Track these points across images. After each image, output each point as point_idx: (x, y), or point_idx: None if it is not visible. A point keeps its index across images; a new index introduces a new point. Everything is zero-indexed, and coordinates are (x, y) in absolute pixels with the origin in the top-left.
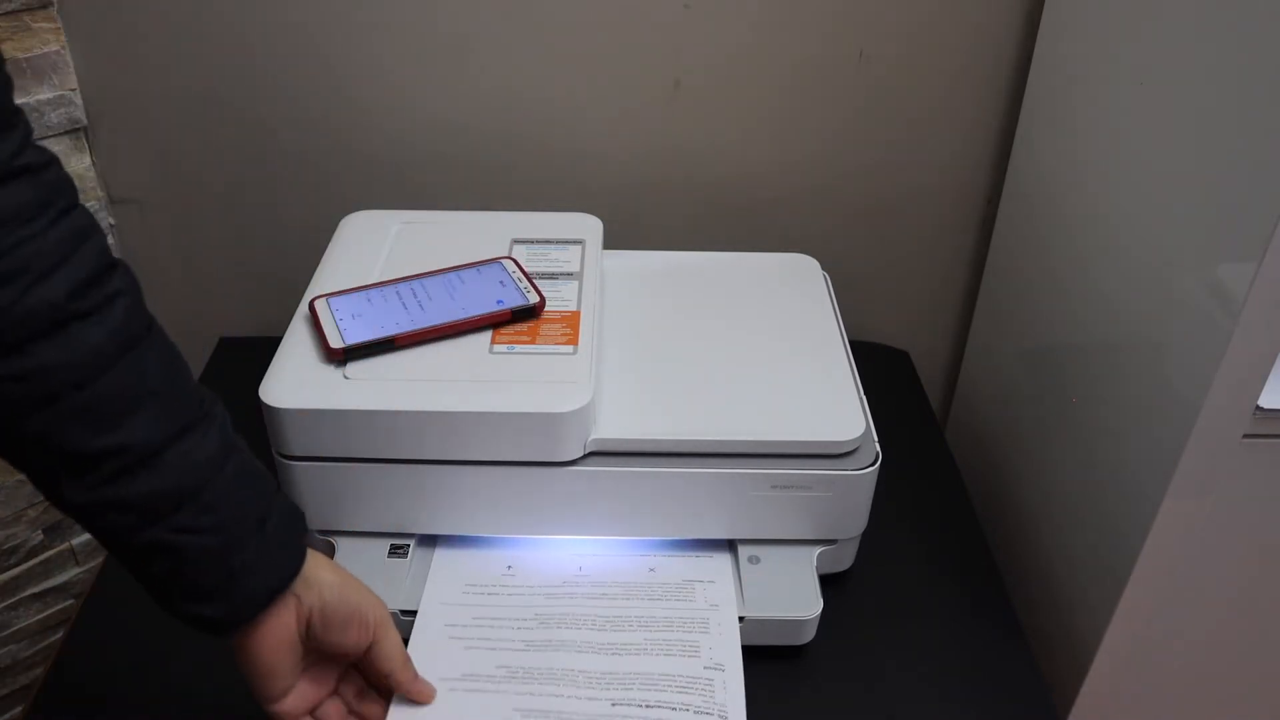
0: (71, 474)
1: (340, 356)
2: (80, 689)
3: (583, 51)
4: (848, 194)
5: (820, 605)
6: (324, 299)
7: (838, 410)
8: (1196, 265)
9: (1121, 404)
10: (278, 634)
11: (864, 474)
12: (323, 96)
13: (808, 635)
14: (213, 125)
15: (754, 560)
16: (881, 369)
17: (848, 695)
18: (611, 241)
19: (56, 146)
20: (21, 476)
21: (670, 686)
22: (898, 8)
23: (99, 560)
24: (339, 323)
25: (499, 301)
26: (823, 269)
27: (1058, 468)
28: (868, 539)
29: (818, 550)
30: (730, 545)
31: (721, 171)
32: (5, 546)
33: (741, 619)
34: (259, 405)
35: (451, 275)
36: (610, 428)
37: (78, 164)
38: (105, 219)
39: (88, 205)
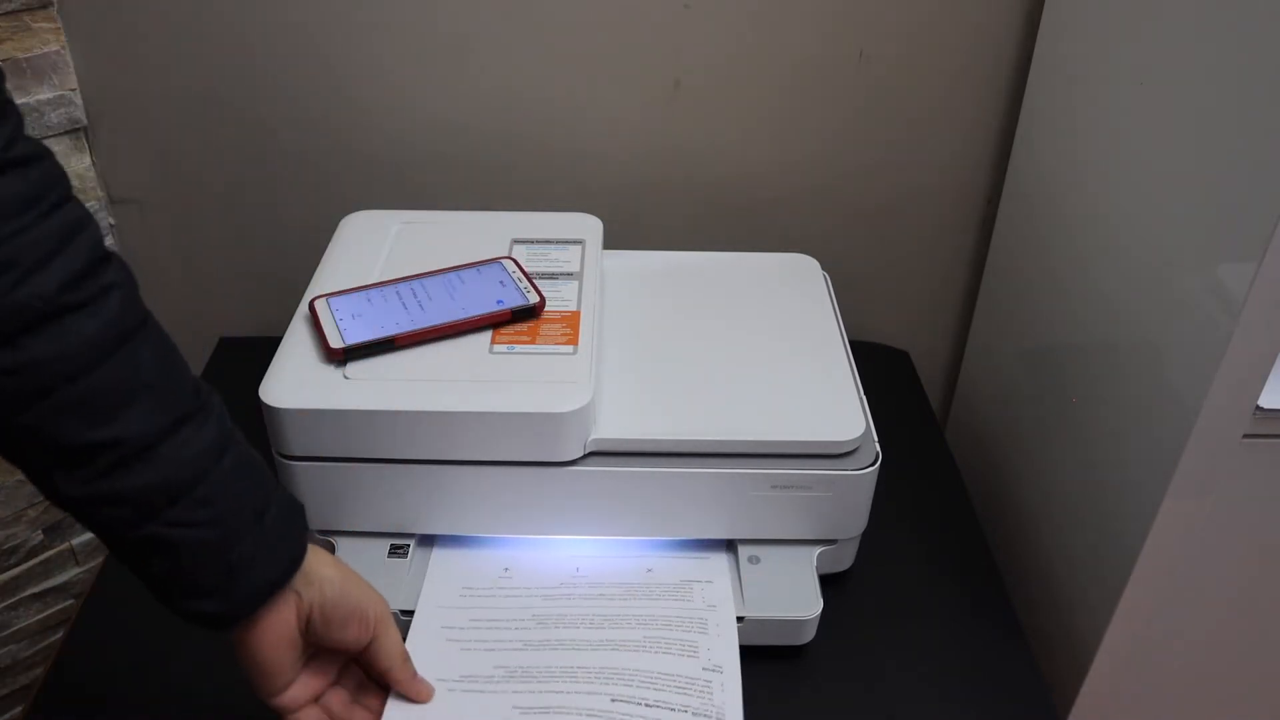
0: (66, 468)
1: (340, 356)
2: (80, 689)
3: (583, 51)
4: (848, 194)
5: (820, 605)
6: (324, 299)
7: (838, 410)
8: (1196, 265)
9: (1121, 404)
10: (278, 630)
11: (864, 474)
12: (323, 96)
13: (808, 635)
14: (213, 125)
15: (754, 560)
16: (881, 369)
17: (848, 695)
18: (611, 241)
19: (56, 146)
20: (22, 476)
21: (669, 686)
22: (898, 8)
23: (99, 560)
24: (339, 323)
25: (499, 301)
26: (823, 269)
27: (1058, 468)
28: (868, 539)
29: (818, 550)
30: (730, 545)
31: (721, 171)
32: (5, 546)
33: (741, 619)
34: (259, 405)
35: (451, 275)
36: (610, 428)
37: (78, 164)
38: (105, 219)
39: (88, 205)
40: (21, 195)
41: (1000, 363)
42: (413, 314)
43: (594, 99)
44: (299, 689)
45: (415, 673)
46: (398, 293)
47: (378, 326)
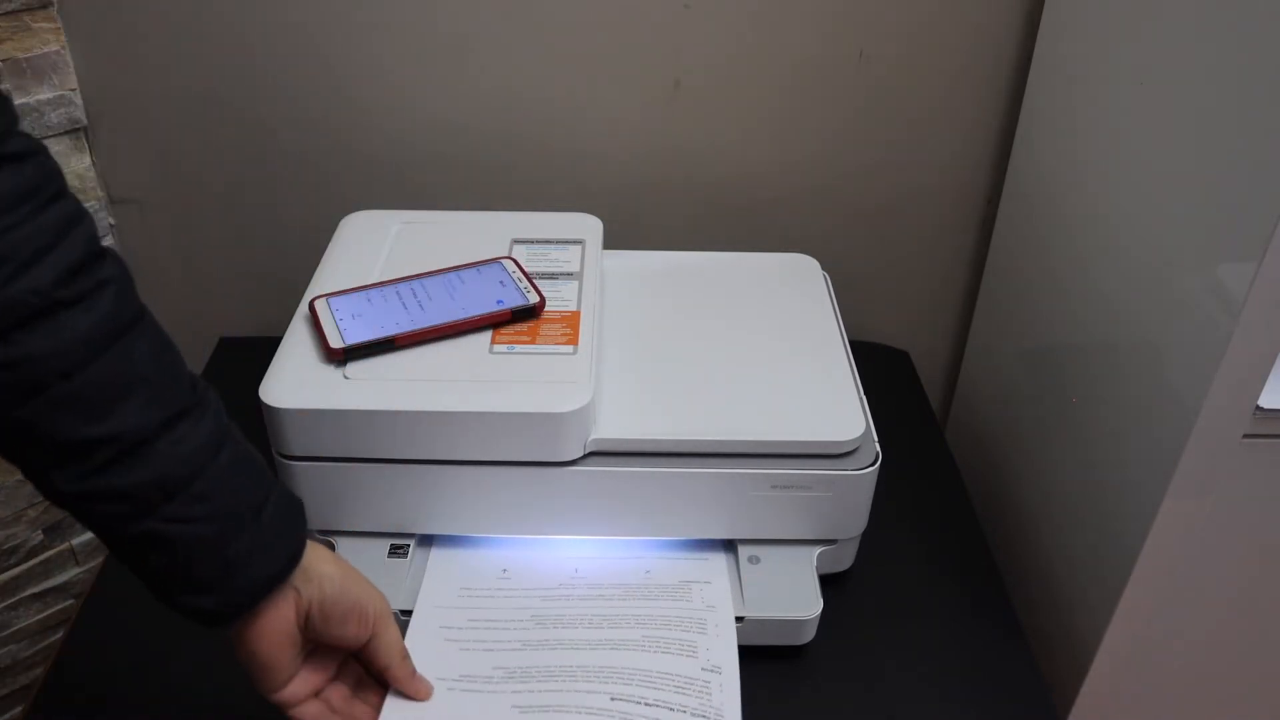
0: (61, 464)
1: (340, 356)
2: (80, 689)
3: (583, 51)
4: (848, 194)
5: (820, 605)
6: (324, 299)
7: (838, 410)
8: (1196, 265)
9: (1121, 404)
10: (276, 626)
11: (864, 474)
12: (323, 96)
13: (808, 635)
14: (213, 125)
15: (754, 560)
16: (881, 369)
17: (848, 695)
18: (611, 241)
19: (56, 146)
20: (22, 476)
21: (668, 686)
22: (898, 8)
23: (99, 560)
24: (339, 323)
25: (499, 301)
26: (823, 269)
27: (1058, 468)
28: (868, 539)
29: (818, 550)
30: (729, 545)
31: (721, 171)
32: (5, 546)
33: (741, 619)
34: (259, 405)
35: (451, 275)
36: (610, 428)
37: (78, 164)
38: (105, 219)
39: (88, 205)
40: (15, 190)
41: (1000, 363)
42: (413, 314)
43: (594, 99)
44: (299, 684)
45: (414, 671)
46: (398, 293)
47: (378, 326)
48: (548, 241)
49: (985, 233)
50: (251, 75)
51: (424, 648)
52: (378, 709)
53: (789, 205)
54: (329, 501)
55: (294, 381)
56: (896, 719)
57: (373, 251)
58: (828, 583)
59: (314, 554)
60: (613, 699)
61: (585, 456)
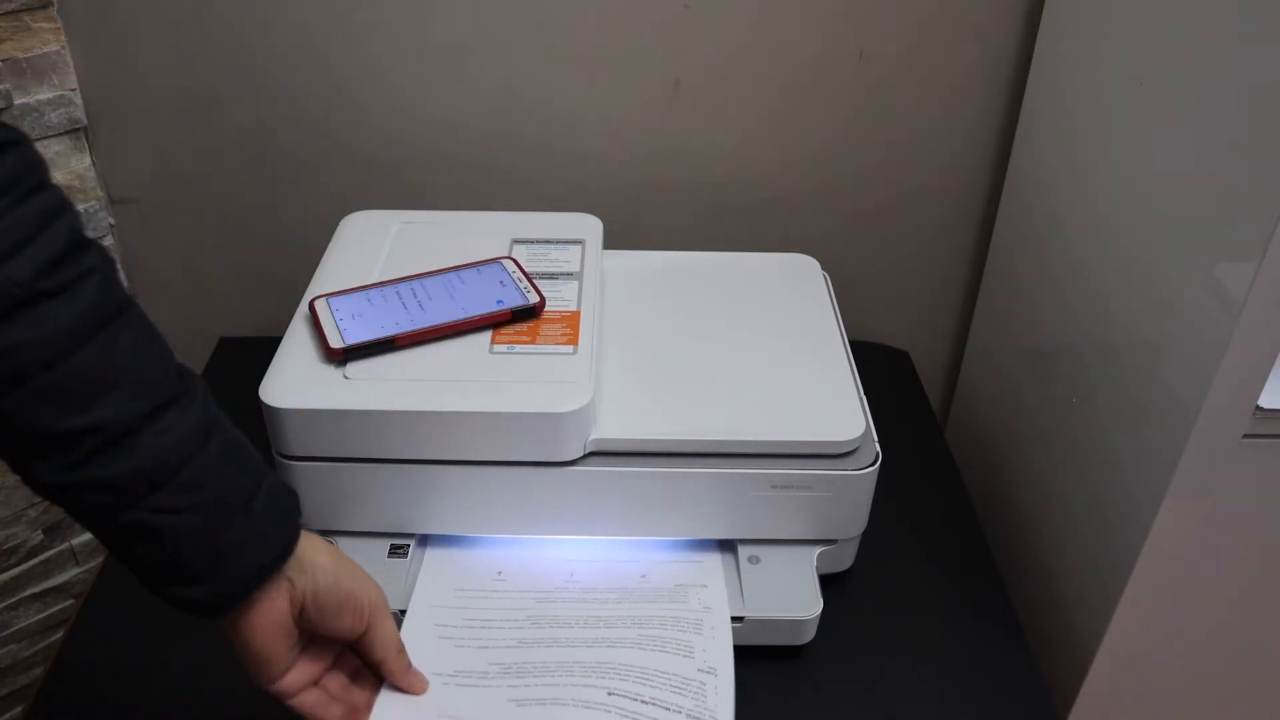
0: (44, 455)
1: (340, 356)
2: (80, 689)
3: (583, 51)
4: (848, 194)
5: (820, 605)
6: (324, 299)
7: (838, 410)
8: (1196, 265)
9: (1121, 404)
10: (270, 617)
11: (864, 474)
12: (323, 96)
13: (808, 635)
14: (213, 125)
15: (754, 560)
16: (881, 369)
17: (848, 695)
18: (611, 241)
19: (56, 146)
20: None
21: (665, 685)
22: (898, 8)
23: (99, 560)
24: (339, 323)
25: (499, 301)
26: (823, 269)
27: (1058, 468)
28: (868, 539)
29: (818, 550)
30: (728, 546)
31: (721, 171)
32: (5, 546)
33: (741, 619)
34: (259, 405)
35: (451, 275)
36: (610, 428)
37: (78, 164)
38: (105, 219)
39: (88, 205)
40: None
41: (1000, 363)
42: (413, 314)
43: (594, 99)
44: (296, 675)
45: (410, 664)
46: (398, 293)
47: (378, 326)
48: (548, 241)
49: (985, 233)
50: (251, 75)
51: (419, 645)
52: (376, 694)
53: (789, 205)
54: (329, 501)
55: (294, 381)
56: (896, 719)
57: (373, 251)
58: (828, 583)
59: (309, 544)
60: (610, 693)
61: (585, 456)
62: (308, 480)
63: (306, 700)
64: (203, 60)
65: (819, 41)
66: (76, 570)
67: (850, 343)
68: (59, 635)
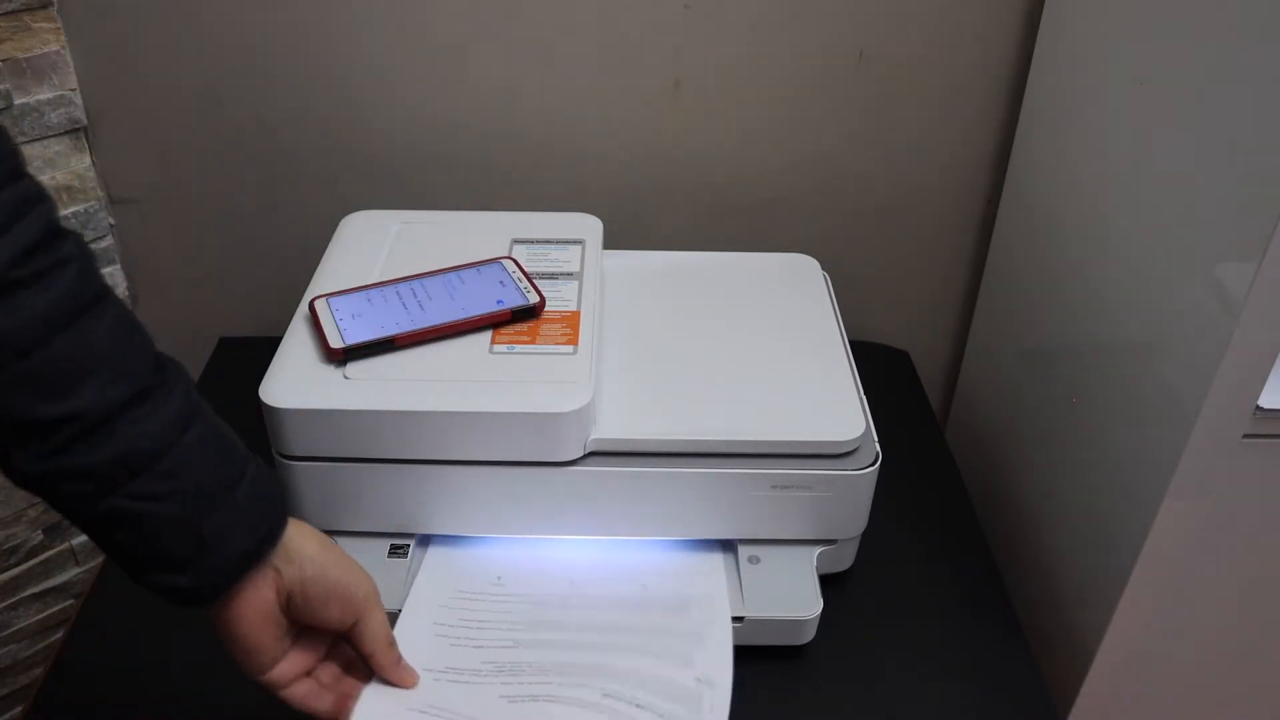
0: (22, 443)
1: (340, 356)
2: (80, 689)
3: (583, 51)
4: (848, 194)
5: (820, 605)
6: (324, 299)
7: (838, 410)
8: (1196, 265)
9: (1121, 404)
10: (256, 607)
11: (864, 474)
12: (323, 96)
13: (808, 635)
14: (213, 125)
15: (754, 560)
16: (881, 369)
17: (848, 695)
18: (611, 241)
19: (56, 146)
20: None
21: (661, 692)
22: (898, 8)
23: (99, 560)
24: (339, 323)
25: (499, 301)
26: (823, 269)
27: (1058, 468)
28: (868, 539)
29: (818, 550)
30: (730, 546)
31: (721, 171)
32: (5, 546)
33: (741, 619)
34: (259, 405)
35: (451, 275)
36: (610, 428)
37: (78, 164)
38: (105, 219)
39: (88, 205)
40: None
41: (1000, 363)
42: (413, 314)
43: (594, 99)
44: (288, 665)
45: (400, 658)
46: (398, 293)
47: (378, 326)
48: (548, 241)
49: (985, 233)
50: (251, 75)
51: (414, 640)
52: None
53: (789, 205)
54: (329, 501)
55: (294, 381)
56: (896, 719)
57: (373, 251)
58: (828, 583)
59: (297, 533)
60: (604, 695)
61: (585, 456)
62: (308, 480)
63: (297, 692)
64: (203, 60)
65: (819, 41)
66: (76, 570)
67: (850, 343)
68: (59, 635)
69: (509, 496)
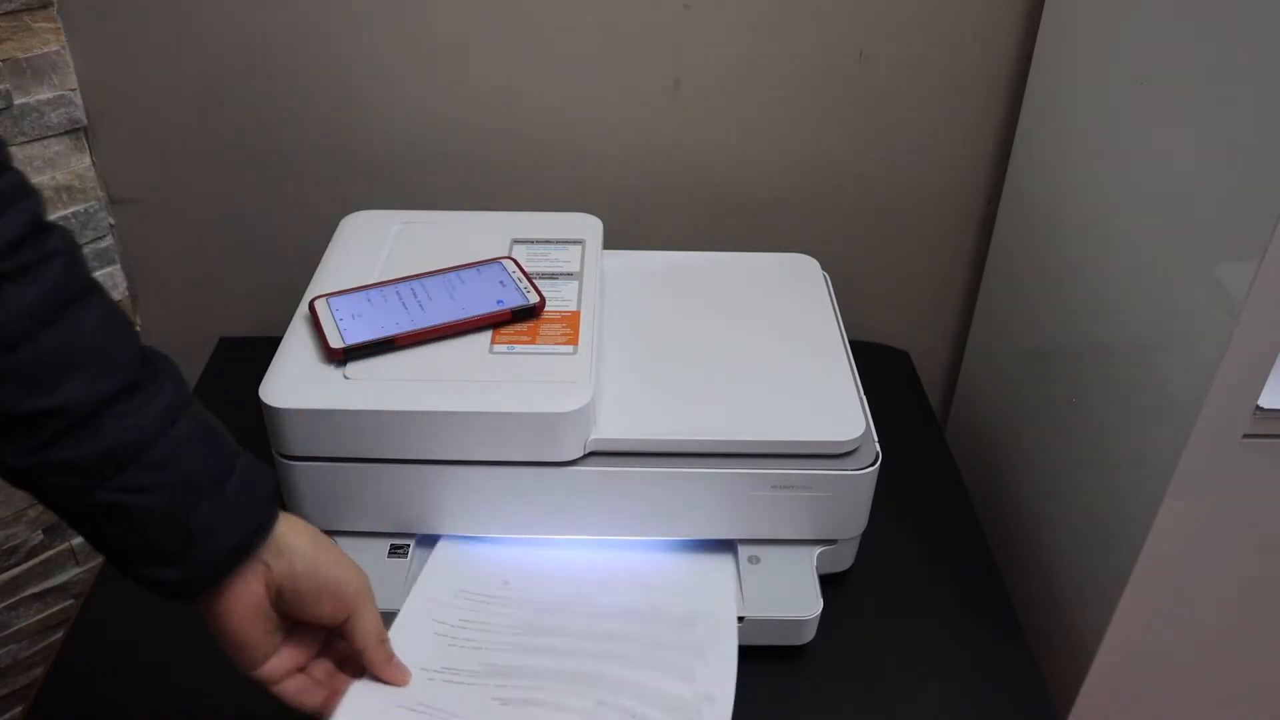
0: (9, 438)
1: (340, 356)
2: (80, 689)
3: (583, 52)
4: (848, 194)
5: (820, 605)
6: (324, 299)
7: (838, 410)
8: (1196, 265)
9: (1121, 404)
10: (245, 601)
11: (864, 474)
12: (323, 96)
13: (808, 635)
14: (213, 125)
15: (754, 560)
16: (881, 369)
17: (848, 695)
18: (611, 241)
19: (56, 146)
20: None
21: (659, 704)
22: (898, 8)
23: (99, 560)
24: (339, 323)
25: (499, 301)
26: (823, 269)
27: (1058, 468)
28: (868, 539)
29: (818, 550)
30: (730, 547)
31: (721, 171)
32: (5, 546)
33: (741, 619)
34: (259, 405)
35: (451, 275)
36: (610, 428)
37: (78, 164)
38: (105, 219)
39: (88, 205)
40: None
41: (1000, 363)
42: (413, 314)
43: (594, 99)
44: (280, 661)
45: (392, 655)
46: (398, 293)
47: (378, 326)
48: (548, 241)
49: (985, 233)
50: (251, 75)
51: (410, 637)
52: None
53: (789, 205)
54: (329, 501)
55: (294, 381)
56: (896, 719)
57: (373, 251)
58: (828, 583)
59: (288, 528)
60: (599, 703)
61: (585, 456)
62: (308, 480)
63: (289, 687)
64: (203, 60)
65: (819, 41)
66: (76, 570)
67: (850, 343)
68: (59, 635)
69: (509, 496)
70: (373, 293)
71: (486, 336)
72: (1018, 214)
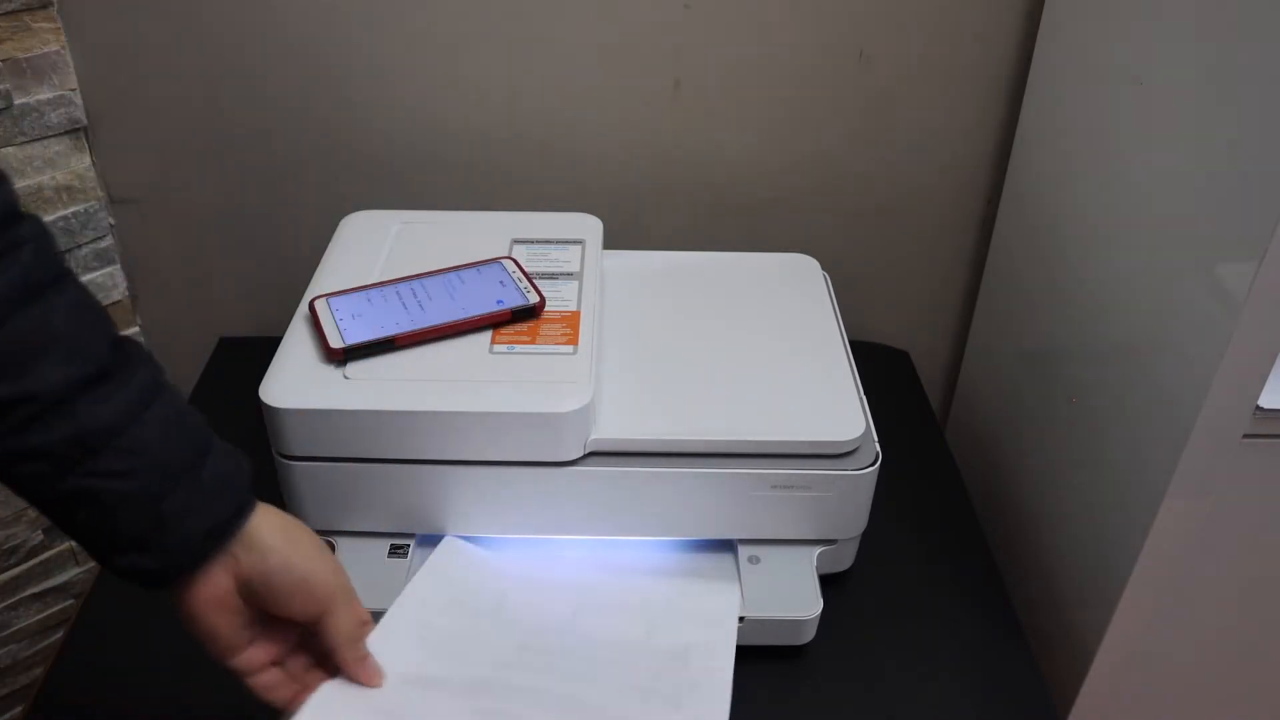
0: None
1: (340, 356)
2: (80, 689)
3: (583, 52)
4: (848, 194)
5: (820, 605)
6: (324, 299)
7: (838, 410)
8: (1196, 265)
9: (1121, 404)
10: (211, 592)
11: (864, 474)
12: (322, 97)
13: (808, 635)
14: (213, 125)
15: (754, 560)
16: (881, 369)
17: (848, 695)
18: (611, 241)
19: (56, 146)
20: None
21: None
22: (898, 8)
23: None
24: (339, 323)
25: (499, 301)
26: (823, 269)
27: (1058, 468)
28: (868, 539)
29: (818, 550)
30: (730, 548)
31: (721, 171)
32: (5, 546)
33: (741, 619)
34: (259, 405)
35: (451, 275)
36: (610, 428)
37: (78, 164)
38: (105, 219)
39: (88, 205)
40: None
41: (1000, 363)
42: (413, 314)
43: (594, 99)
44: (255, 652)
45: (366, 655)
46: (398, 293)
47: (378, 326)
48: (548, 241)
49: (985, 233)
50: (251, 75)
51: (394, 640)
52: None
53: (789, 205)
54: (329, 501)
55: (294, 381)
56: (896, 719)
57: (373, 251)
58: (828, 583)
59: (264, 522)
60: None
61: (585, 456)
62: (308, 480)
63: (262, 680)
64: (203, 60)
65: (819, 41)
66: (76, 570)
67: (850, 343)
68: (59, 635)
69: (509, 496)
70: (373, 293)
71: (486, 336)
72: (1018, 214)
